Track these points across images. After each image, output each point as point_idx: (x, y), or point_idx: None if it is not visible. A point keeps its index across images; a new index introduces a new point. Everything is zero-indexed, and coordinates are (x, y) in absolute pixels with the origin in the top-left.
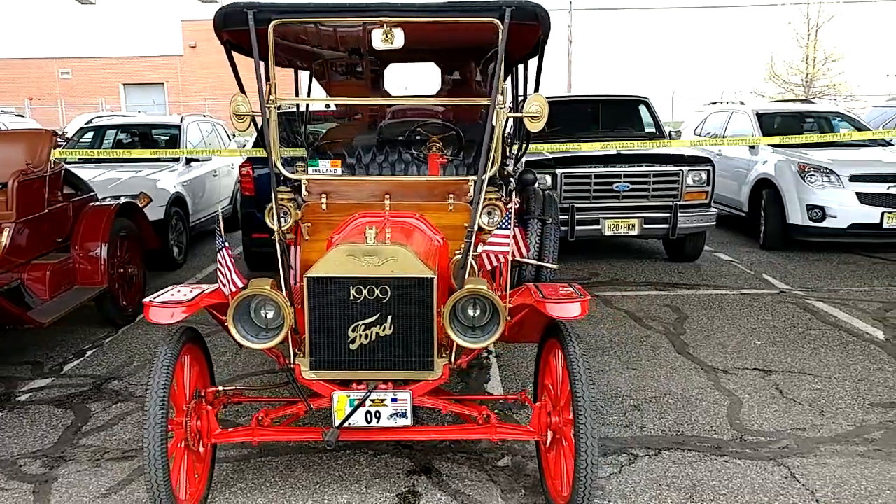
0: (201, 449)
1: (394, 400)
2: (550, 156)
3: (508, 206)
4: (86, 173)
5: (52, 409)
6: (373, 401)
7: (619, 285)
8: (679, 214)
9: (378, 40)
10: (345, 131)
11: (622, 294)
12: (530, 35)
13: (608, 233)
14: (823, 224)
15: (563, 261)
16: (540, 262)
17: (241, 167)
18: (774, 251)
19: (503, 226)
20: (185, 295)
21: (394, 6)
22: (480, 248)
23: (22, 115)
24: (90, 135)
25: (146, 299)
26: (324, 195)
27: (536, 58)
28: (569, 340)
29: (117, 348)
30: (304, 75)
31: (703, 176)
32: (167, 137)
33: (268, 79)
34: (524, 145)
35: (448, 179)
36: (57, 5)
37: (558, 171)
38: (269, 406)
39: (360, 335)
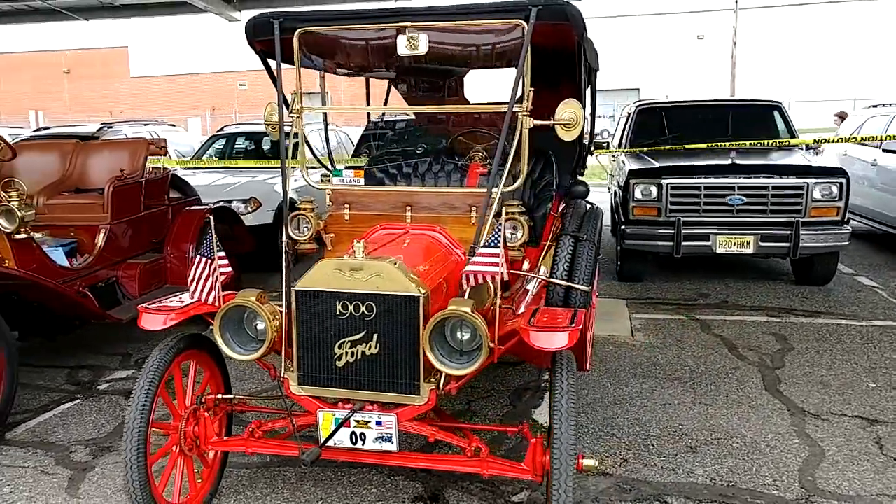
0: (211, 454)
1: (378, 423)
2: (657, 164)
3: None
4: (206, 178)
5: (122, 400)
6: (358, 422)
7: (727, 308)
8: (802, 232)
9: (403, 47)
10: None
11: (725, 318)
12: (565, 36)
13: (719, 250)
14: None
15: (672, 278)
16: (569, 284)
17: None
18: None
19: (491, 244)
20: (181, 301)
21: (415, 10)
22: (467, 266)
23: (174, 125)
24: (222, 142)
25: (141, 305)
26: (347, 206)
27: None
28: (558, 371)
29: None
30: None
31: (834, 189)
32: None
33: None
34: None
35: (470, 191)
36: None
37: (664, 182)
38: (270, 417)
39: (347, 352)
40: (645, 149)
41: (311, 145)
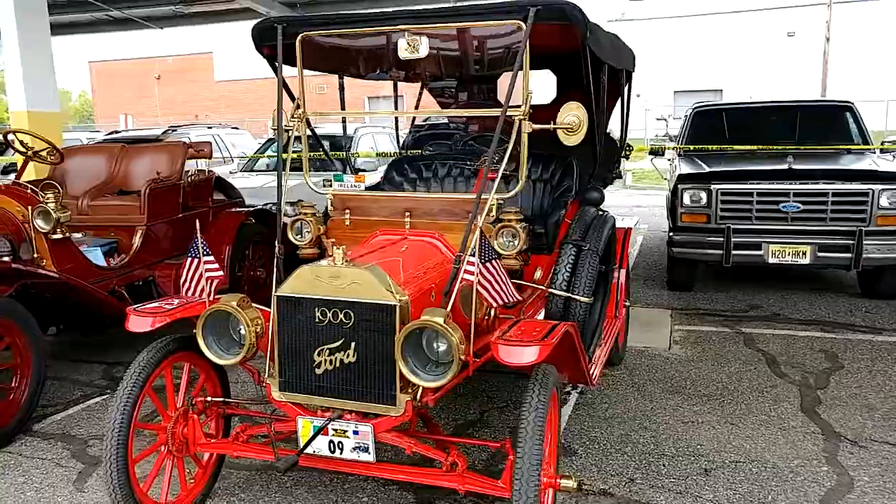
0: (206, 456)
1: (356, 432)
2: (707, 169)
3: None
4: (258, 180)
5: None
6: (336, 431)
7: (778, 322)
8: (866, 242)
9: (403, 50)
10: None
11: (773, 332)
12: (569, 37)
13: (772, 260)
14: None
15: (724, 288)
16: (569, 294)
17: None
18: None
19: (473, 253)
20: (171, 304)
21: (415, 13)
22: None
23: (237, 128)
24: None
25: (130, 307)
26: (348, 211)
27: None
28: (531, 386)
29: None
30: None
31: None
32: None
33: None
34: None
35: (468, 198)
36: None
37: (713, 188)
38: (260, 422)
39: (326, 360)
40: (699, 152)
41: (324, 148)
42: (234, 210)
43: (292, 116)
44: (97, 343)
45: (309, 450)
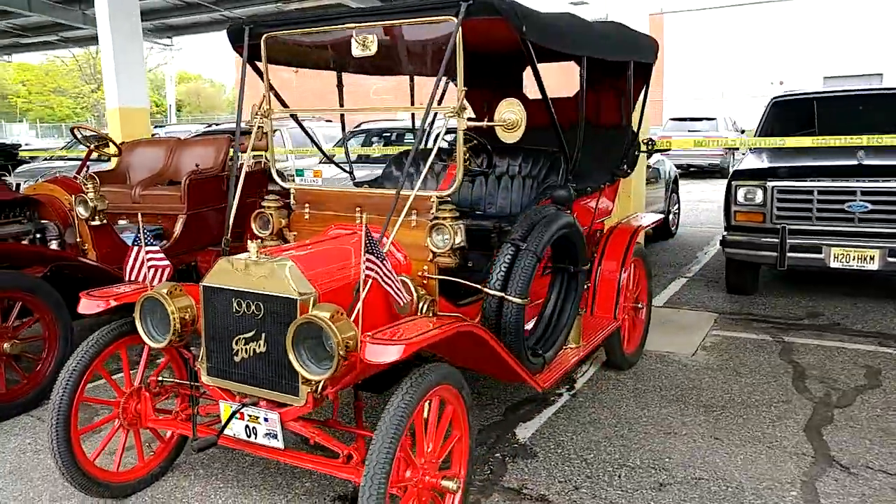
0: (169, 432)
1: (266, 420)
2: (767, 164)
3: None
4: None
5: None
6: (251, 417)
7: (833, 332)
8: None
9: (356, 49)
10: None
11: (818, 343)
12: (506, 31)
13: (834, 264)
14: None
15: (788, 293)
16: (502, 294)
17: None
18: None
19: (368, 249)
20: (120, 291)
21: (361, 11)
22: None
23: (331, 121)
24: (360, 137)
25: (83, 291)
26: (307, 205)
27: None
28: (403, 384)
29: None
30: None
31: None
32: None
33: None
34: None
35: (405, 194)
36: None
37: (769, 185)
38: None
39: (242, 349)
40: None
41: (315, 142)
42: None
43: (256, 113)
44: None
45: (230, 432)
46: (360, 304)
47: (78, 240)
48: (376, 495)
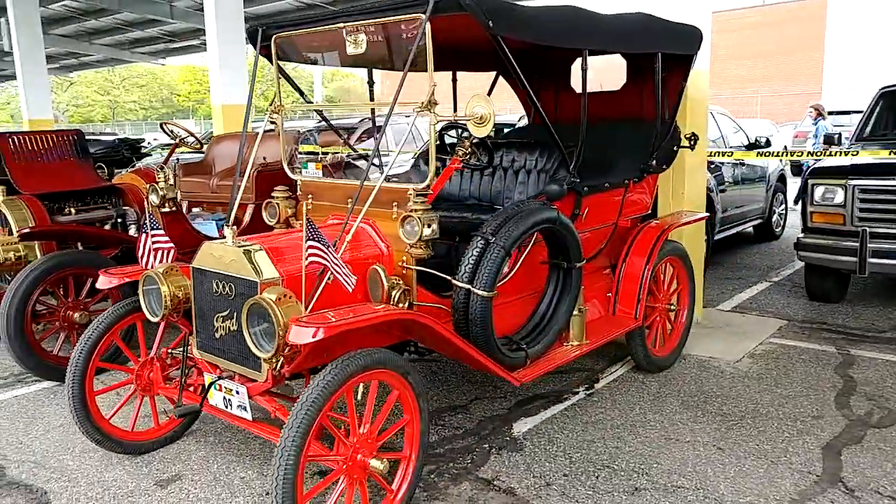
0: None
1: (237, 392)
2: (849, 161)
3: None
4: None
5: None
6: (227, 389)
7: None
8: None
9: (349, 46)
10: None
11: (886, 358)
12: (476, 29)
13: None
14: None
15: (880, 303)
16: (469, 287)
17: None
18: None
19: (312, 237)
20: (134, 270)
21: (338, 12)
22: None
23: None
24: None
25: (102, 270)
26: (310, 196)
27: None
28: (331, 363)
29: None
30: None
31: None
32: None
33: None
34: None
35: (392, 187)
36: None
37: (850, 183)
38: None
39: (220, 326)
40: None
41: (341, 135)
42: None
43: (268, 108)
44: None
45: (213, 402)
46: (315, 291)
47: None
48: (288, 470)
